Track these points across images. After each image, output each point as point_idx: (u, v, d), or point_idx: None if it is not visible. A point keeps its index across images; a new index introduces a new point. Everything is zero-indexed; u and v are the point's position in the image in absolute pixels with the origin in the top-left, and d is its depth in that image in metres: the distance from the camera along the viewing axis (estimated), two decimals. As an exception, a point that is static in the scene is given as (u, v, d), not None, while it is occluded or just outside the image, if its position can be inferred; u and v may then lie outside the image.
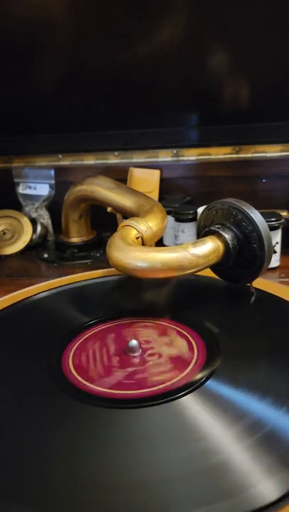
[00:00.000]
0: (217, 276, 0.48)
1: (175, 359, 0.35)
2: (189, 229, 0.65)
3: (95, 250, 0.70)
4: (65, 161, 0.80)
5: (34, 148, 0.81)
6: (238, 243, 0.43)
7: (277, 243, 0.58)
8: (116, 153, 0.78)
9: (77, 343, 0.39)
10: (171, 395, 0.31)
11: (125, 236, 0.45)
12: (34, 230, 0.75)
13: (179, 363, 0.35)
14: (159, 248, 0.42)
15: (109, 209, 0.62)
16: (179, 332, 0.39)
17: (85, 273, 0.56)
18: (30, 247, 0.74)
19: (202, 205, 0.62)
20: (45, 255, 0.71)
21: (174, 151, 0.76)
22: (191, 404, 0.30)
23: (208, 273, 0.48)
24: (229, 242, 0.42)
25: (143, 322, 0.42)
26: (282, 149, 0.72)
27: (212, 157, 0.75)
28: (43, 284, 0.52)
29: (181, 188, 0.79)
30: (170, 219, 0.66)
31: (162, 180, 0.77)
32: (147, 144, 0.77)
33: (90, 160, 0.79)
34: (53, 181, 0.80)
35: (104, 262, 0.45)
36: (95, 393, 0.32)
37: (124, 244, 0.43)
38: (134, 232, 0.47)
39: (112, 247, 0.43)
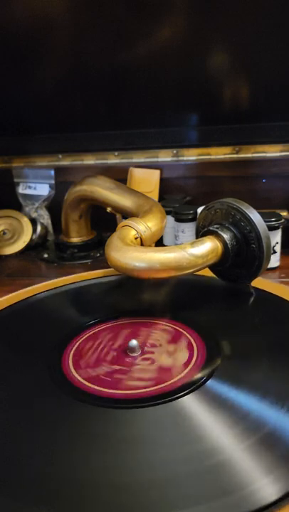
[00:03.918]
0: (216, 277, 0.48)
1: (175, 359, 0.35)
2: (189, 229, 0.65)
3: (95, 250, 0.70)
4: (65, 161, 0.80)
5: (34, 148, 0.81)
6: (237, 243, 0.43)
7: (277, 243, 0.58)
8: (116, 153, 0.78)
9: (78, 343, 0.39)
10: (171, 394, 0.31)
11: (124, 236, 0.45)
12: (34, 230, 0.75)
13: (179, 363, 0.35)
14: (158, 248, 0.42)
15: (108, 209, 0.62)
16: (178, 332, 0.39)
17: (85, 273, 0.56)
18: (30, 247, 0.74)
19: (202, 205, 0.62)
20: (45, 255, 0.71)
21: (174, 151, 0.76)
22: (191, 404, 0.30)
23: (208, 273, 0.48)
24: (228, 242, 0.42)
25: (143, 322, 0.42)
26: (282, 149, 0.72)
27: (212, 157, 0.75)
28: (43, 284, 0.52)
29: (181, 188, 0.79)
30: (170, 219, 0.66)
31: (162, 180, 0.77)
32: (147, 144, 0.77)
33: (90, 160, 0.79)
34: (53, 181, 0.80)
35: (104, 262, 0.45)
36: (95, 393, 0.32)
37: (123, 245, 0.43)
38: (132, 233, 0.47)
39: (110, 247, 0.43)
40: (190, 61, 0.68)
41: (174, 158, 0.77)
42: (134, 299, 0.48)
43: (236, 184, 0.76)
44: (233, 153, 0.74)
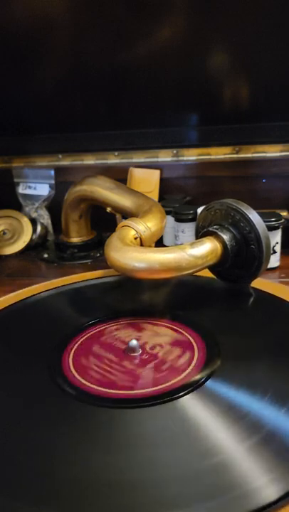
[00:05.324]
0: (216, 277, 0.48)
1: (175, 359, 0.35)
2: (189, 229, 0.65)
3: (95, 250, 0.70)
4: (65, 161, 0.80)
5: (34, 148, 0.81)
6: (236, 244, 0.43)
7: (277, 243, 0.58)
8: (116, 153, 0.78)
9: (78, 343, 0.39)
10: (171, 394, 0.31)
11: (123, 236, 0.45)
12: (34, 230, 0.75)
13: (178, 363, 0.35)
14: (157, 249, 0.42)
15: (108, 209, 0.62)
16: (178, 332, 0.39)
17: (85, 273, 0.56)
18: (30, 247, 0.74)
19: (202, 205, 0.62)
20: (45, 255, 0.71)
21: (174, 151, 0.76)
22: (191, 404, 0.30)
23: (208, 274, 0.48)
24: (227, 242, 0.42)
25: (143, 322, 0.42)
26: (282, 149, 0.72)
27: (212, 157, 0.75)
28: (43, 284, 0.52)
29: (181, 188, 0.79)
30: (170, 219, 0.66)
31: (162, 180, 0.77)
32: (147, 144, 0.77)
33: (90, 160, 0.79)
34: (53, 181, 0.80)
35: (104, 262, 0.45)
36: (95, 393, 0.32)
37: (122, 245, 0.43)
38: (132, 233, 0.47)
39: (110, 247, 0.43)
40: (190, 61, 0.68)
41: (174, 158, 0.77)
42: (134, 299, 0.48)
43: (236, 184, 0.76)
44: (233, 153, 0.74)
